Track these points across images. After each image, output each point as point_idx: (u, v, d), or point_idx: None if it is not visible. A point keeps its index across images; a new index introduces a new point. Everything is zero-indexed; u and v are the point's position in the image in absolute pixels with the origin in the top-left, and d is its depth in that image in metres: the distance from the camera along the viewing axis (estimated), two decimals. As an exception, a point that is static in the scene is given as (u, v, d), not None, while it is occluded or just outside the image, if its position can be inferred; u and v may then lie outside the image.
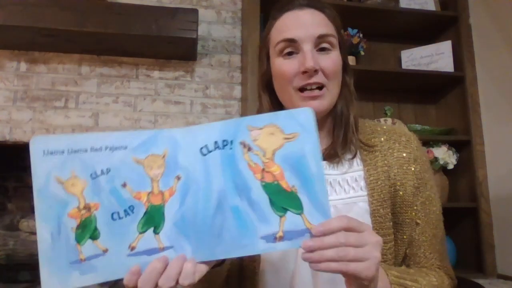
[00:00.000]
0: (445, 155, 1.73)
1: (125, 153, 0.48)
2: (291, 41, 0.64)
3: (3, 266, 1.57)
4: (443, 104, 2.00)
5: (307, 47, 0.63)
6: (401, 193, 0.65)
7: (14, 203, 1.87)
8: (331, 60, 0.64)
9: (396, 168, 0.66)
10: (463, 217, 1.79)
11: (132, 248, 0.46)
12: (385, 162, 0.66)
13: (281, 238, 0.46)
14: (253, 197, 0.47)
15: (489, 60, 1.79)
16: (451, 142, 1.79)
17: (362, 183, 0.66)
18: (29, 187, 1.87)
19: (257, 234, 0.46)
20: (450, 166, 1.75)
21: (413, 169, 0.67)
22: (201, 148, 0.48)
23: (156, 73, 1.80)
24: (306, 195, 0.46)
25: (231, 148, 0.48)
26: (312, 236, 0.45)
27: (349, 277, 0.45)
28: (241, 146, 0.48)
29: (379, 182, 0.65)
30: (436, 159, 1.73)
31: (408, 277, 0.57)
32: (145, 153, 0.48)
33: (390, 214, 0.64)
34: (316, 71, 0.62)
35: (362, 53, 1.84)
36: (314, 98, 0.63)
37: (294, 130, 0.47)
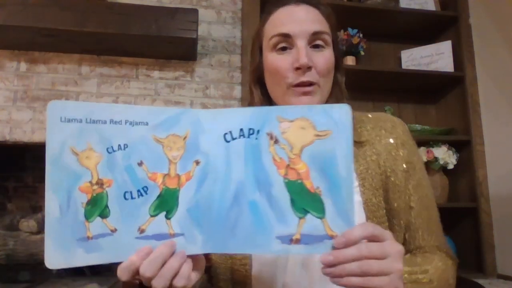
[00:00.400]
0: (445, 155, 1.73)
1: (145, 130, 0.45)
2: (286, 36, 0.64)
3: (3, 266, 1.57)
4: (443, 104, 2.00)
5: (301, 43, 0.63)
6: (392, 179, 0.65)
7: (14, 203, 1.87)
8: (324, 57, 0.64)
9: (385, 154, 0.66)
10: (463, 217, 1.79)
11: (142, 231, 0.44)
12: (374, 151, 0.66)
13: (298, 241, 0.43)
14: (273, 194, 0.44)
15: (489, 60, 1.79)
16: (451, 142, 1.79)
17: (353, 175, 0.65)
18: (29, 187, 1.87)
19: (272, 233, 0.44)
20: (450, 166, 1.75)
21: (401, 153, 0.66)
22: (225, 134, 0.46)
23: (156, 73, 1.80)
24: (330, 199, 0.43)
25: (256, 138, 0.45)
26: (332, 245, 0.42)
27: None
28: (268, 137, 0.45)
29: (369, 171, 0.65)
30: (436, 159, 1.73)
31: (418, 269, 0.56)
32: (166, 132, 0.46)
33: (382, 202, 0.64)
34: (309, 68, 0.62)
35: (362, 53, 1.84)
36: (305, 94, 0.63)
37: (327, 127, 0.44)
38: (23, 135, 1.63)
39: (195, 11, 1.62)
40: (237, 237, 0.45)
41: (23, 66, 1.70)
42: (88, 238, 0.44)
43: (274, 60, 0.65)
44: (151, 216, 0.45)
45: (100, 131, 0.45)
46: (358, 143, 0.67)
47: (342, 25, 1.83)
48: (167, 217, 0.45)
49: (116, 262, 0.44)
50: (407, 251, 0.66)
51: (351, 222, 0.43)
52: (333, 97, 0.69)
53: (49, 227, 0.43)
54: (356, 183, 0.65)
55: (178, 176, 0.46)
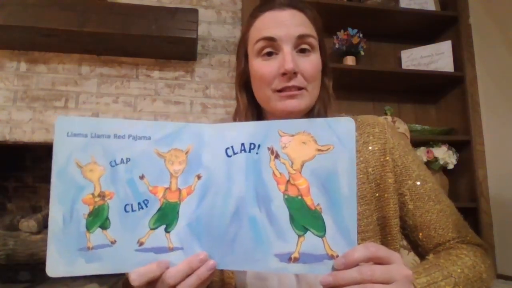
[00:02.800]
0: (445, 155, 1.73)
1: (148, 144, 0.46)
2: (271, 40, 0.63)
3: (3, 266, 1.57)
4: (443, 104, 2.00)
5: (287, 48, 0.62)
6: (382, 186, 0.64)
7: (14, 203, 1.87)
8: (311, 63, 0.63)
9: (373, 162, 0.65)
10: (463, 217, 1.79)
11: (141, 244, 0.45)
12: (361, 158, 0.65)
13: (296, 260, 0.42)
14: (273, 210, 0.44)
15: (489, 60, 1.79)
16: (451, 142, 1.79)
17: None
18: (29, 187, 1.87)
19: (271, 250, 0.43)
20: (450, 166, 1.75)
21: (389, 159, 0.65)
22: (227, 149, 0.46)
23: (156, 73, 1.80)
24: (331, 217, 0.42)
25: (257, 153, 0.45)
26: (333, 266, 0.41)
27: None
28: (269, 152, 0.45)
29: (357, 180, 0.63)
30: (436, 159, 1.73)
31: (440, 275, 0.53)
32: (168, 147, 0.46)
33: (372, 211, 0.63)
34: (295, 74, 0.61)
35: (362, 53, 1.84)
36: (292, 97, 0.62)
37: (329, 142, 0.43)
38: (23, 135, 1.63)
39: (195, 11, 1.62)
40: (235, 253, 0.44)
41: (23, 66, 1.70)
42: (88, 248, 0.44)
43: (259, 66, 0.64)
44: (151, 229, 0.45)
45: (104, 145, 0.46)
46: None
47: (342, 25, 1.83)
48: (167, 230, 0.45)
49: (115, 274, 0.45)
50: (427, 250, 0.65)
51: (353, 242, 0.41)
52: (320, 101, 0.68)
53: (52, 237, 0.44)
54: None
55: (179, 190, 0.46)
